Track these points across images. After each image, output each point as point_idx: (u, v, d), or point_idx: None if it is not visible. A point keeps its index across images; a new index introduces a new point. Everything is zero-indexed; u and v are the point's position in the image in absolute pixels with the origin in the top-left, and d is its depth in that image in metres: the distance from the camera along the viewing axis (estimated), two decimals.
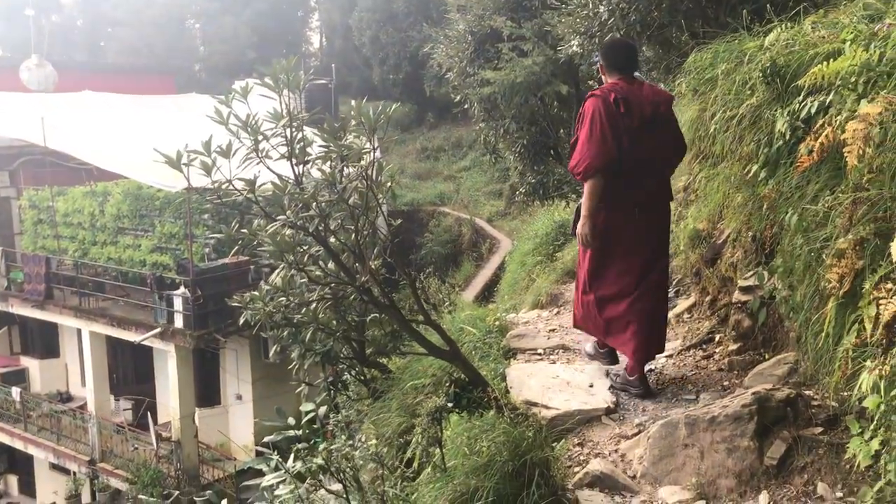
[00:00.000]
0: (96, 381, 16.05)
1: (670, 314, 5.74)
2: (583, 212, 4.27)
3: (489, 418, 3.59)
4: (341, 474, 3.84)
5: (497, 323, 5.89)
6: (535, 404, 4.19)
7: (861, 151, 2.72)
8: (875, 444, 2.61)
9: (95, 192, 16.76)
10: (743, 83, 4.31)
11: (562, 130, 12.72)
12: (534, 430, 3.35)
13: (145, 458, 14.84)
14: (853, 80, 3.11)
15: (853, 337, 2.70)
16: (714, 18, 6.80)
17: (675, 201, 6.28)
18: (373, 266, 4.44)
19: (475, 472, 3.10)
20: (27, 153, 18.73)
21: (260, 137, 4.10)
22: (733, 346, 4.65)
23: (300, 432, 4.60)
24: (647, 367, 4.56)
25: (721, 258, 5.13)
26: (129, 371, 18.71)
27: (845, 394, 3.02)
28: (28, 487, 20.01)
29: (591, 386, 4.48)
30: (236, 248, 4.32)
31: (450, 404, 3.93)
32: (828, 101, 3.29)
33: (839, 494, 3.04)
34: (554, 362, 5.12)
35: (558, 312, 6.79)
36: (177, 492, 13.86)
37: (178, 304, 14.08)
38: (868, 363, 2.53)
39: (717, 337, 4.99)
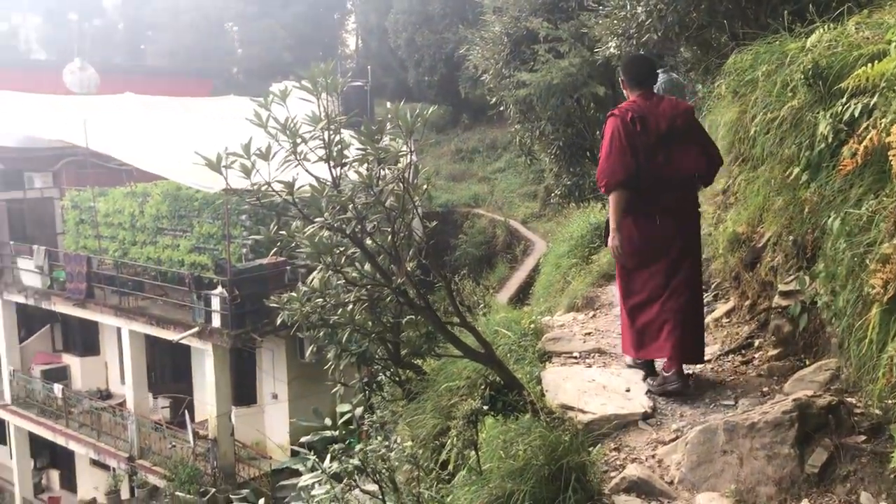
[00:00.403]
0: (135, 379, 16.29)
1: (708, 318, 5.68)
2: (611, 225, 4.47)
3: (525, 422, 3.58)
4: (377, 475, 3.86)
5: (532, 326, 5.86)
6: (571, 408, 4.17)
7: None
8: None
9: (135, 192, 17.02)
10: (784, 85, 4.26)
11: (598, 132, 12.64)
12: (570, 435, 3.34)
13: (182, 455, 15.01)
14: None
15: None
16: (754, 19, 6.70)
17: (714, 204, 6.24)
18: (408, 268, 4.45)
19: (511, 475, 3.10)
20: (70, 154, 19.11)
21: (298, 140, 4.13)
22: (773, 352, 4.59)
23: (337, 433, 4.63)
24: (686, 370, 4.52)
25: (761, 262, 5.07)
26: (168, 369, 18.97)
27: (890, 402, 2.96)
28: (69, 482, 20.40)
29: (628, 390, 4.45)
30: (275, 249, 4.36)
31: (485, 407, 3.92)
32: (872, 103, 3.24)
33: None
34: (590, 366, 5.10)
35: (594, 316, 6.75)
36: (213, 489, 14.04)
37: (215, 303, 14.25)
38: None
39: (757, 342, 4.92)
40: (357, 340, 5.38)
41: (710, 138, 4.71)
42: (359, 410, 5.11)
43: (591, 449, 3.48)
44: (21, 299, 18.35)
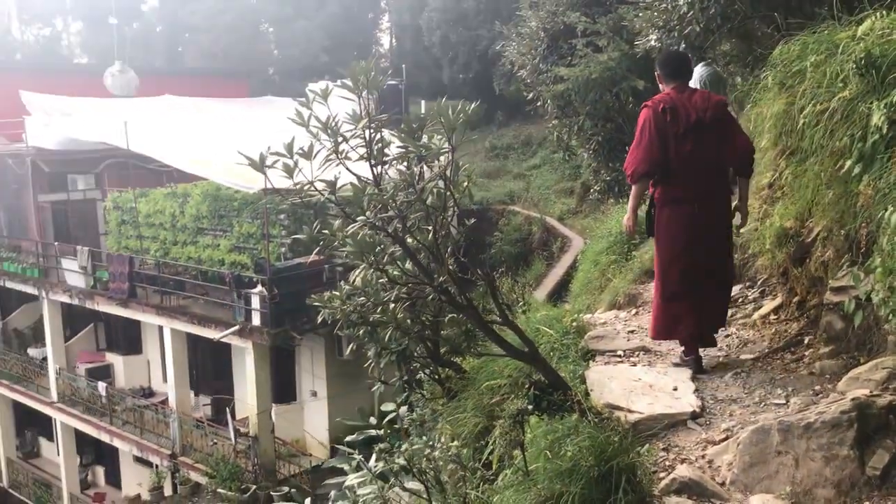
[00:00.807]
0: (177, 377, 16.49)
1: (755, 315, 5.57)
2: (629, 206, 4.93)
3: (572, 422, 3.52)
4: (423, 475, 3.83)
5: (574, 324, 5.80)
6: (618, 408, 4.10)
7: None
8: None
9: (176, 193, 17.23)
10: (834, 75, 4.15)
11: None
12: (619, 435, 3.27)
13: (224, 452, 15.18)
14: None
15: None
16: (798, 8, 6.54)
17: (759, 199, 6.11)
18: (449, 266, 4.42)
19: (559, 476, 3.05)
20: (111, 156, 19.42)
21: (340, 139, 4.12)
22: (824, 349, 4.47)
23: (380, 432, 4.62)
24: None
25: (810, 257, 4.94)
26: (209, 367, 19.20)
27: None
28: (114, 479, 20.78)
29: (675, 389, 4.37)
30: (317, 248, 4.36)
31: (530, 407, 3.87)
32: None
33: None
34: (635, 364, 5.02)
35: (636, 313, 6.66)
36: (254, 486, 14.17)
37: (255, 302, 14.37)
38: None
39: (807, 339, 4.80)
40: (397, 339, 5.36)
41: (741, 130, 4.90)
42: (403, 410, 5.08)
43: (640, 450, 3.41)
44: (66, 299, 18.71)
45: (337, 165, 4.18)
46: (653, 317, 5.01)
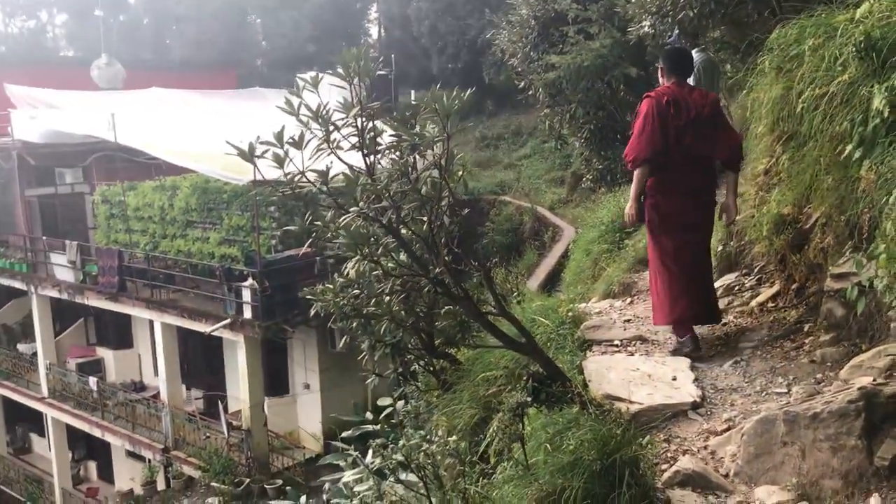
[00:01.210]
0: (168, 371, 16.39)
1: (753, 303, 5.52)
2: (631, 194, 5.05)
3: (572, 414, 3.45)
4: (422, 471, 3.76)
5: (570, 314, 5.73)
6: (617, 398, 4.04)
7: None
8: None
9: (164, 186, 17.07)
10: (833, 59, 4.08)
11: (629, 115, 12.40)
12: (622, 427, 3.20)
13: (216, 446, 15.10)
14: None
15: None
16: None
17: (755, 186, 6.05)
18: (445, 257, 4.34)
19: (561, 470, 2.98)
20: (99, 149, 19.20)
21: (331, 128, 4.03)
22: (825, 337, 4.42)
23: (377, 427, 4.54)
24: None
25: (809, 244, 4.89)
26: (200, 361, 19.09)
27: None
28: (106, 473, 20.67)
29: (675, 379, 4.31)
30: (310, 240, 4.26)
31: (529, 399, 3.80)
32: None
33: None
34: (632, 354, 4.97)
35: (632, 302, 6.60)
36: (247, 479, 14.10)
37: (246, 295, 14.27)
38: None
39: (807, 327, 4.75)
40: (392, 331, 5.28)
41: (732, 126, 5.27)
42: (399, 404, 5.01)
43: (642, 441, 3.35)
44: (55, 294, 18.55)
45: (328, 155, 4.08)
46: (653, 304, 5.10)
